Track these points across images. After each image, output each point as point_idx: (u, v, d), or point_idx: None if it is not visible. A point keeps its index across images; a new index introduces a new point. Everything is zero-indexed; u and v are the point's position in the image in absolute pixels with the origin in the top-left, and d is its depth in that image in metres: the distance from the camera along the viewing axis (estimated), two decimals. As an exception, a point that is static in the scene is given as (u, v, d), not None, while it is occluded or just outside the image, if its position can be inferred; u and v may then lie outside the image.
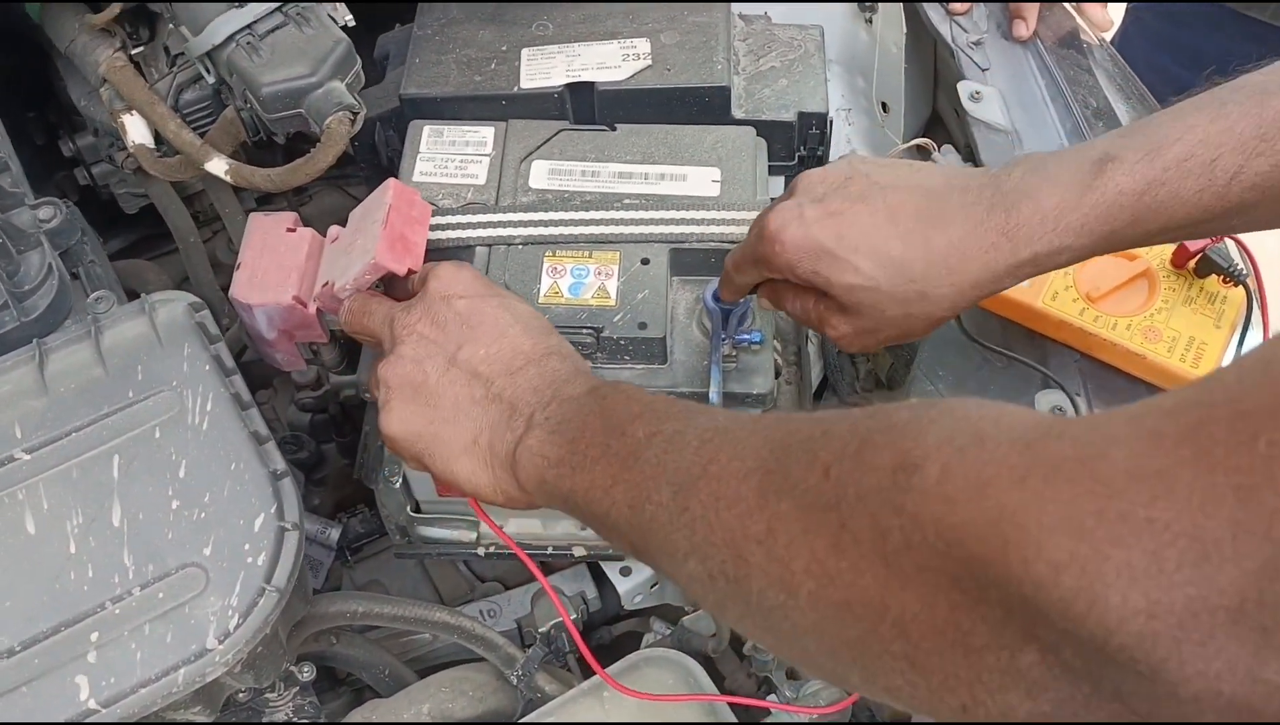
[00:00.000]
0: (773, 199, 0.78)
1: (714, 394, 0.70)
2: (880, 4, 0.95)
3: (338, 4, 0.83)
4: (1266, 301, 0.74)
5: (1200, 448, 0.32)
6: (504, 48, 0.88)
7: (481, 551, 0.86)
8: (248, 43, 0.68)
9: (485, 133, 0.82)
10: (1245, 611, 0.30)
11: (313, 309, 0.72)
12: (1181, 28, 1.14)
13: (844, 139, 1.03)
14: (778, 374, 0.83)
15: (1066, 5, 0.94)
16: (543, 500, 0.58)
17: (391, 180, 0.72)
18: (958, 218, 0.60)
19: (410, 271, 0.67)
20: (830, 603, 0.40)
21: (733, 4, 0.91)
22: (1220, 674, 0.30)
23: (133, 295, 0.81)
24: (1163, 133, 0.57)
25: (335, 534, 0.90)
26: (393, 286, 0.71)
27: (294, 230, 0.74)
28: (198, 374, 0.62)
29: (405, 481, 0.81)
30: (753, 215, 0.77)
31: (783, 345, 0.92)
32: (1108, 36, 0.95)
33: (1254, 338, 0.73)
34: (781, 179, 0.90)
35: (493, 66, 0.86)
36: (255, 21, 0.68)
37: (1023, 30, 0.91)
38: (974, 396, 0.78)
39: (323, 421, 0.94)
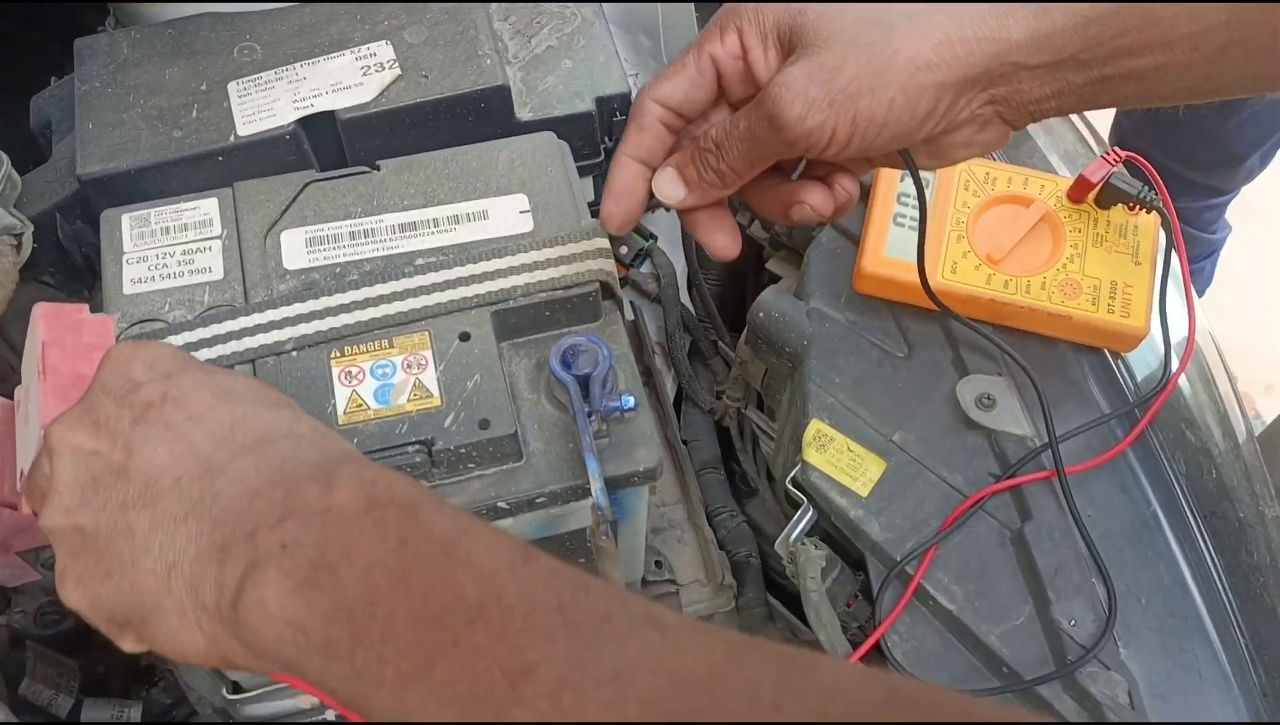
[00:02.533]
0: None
1: (597, 493, 0.54)
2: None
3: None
4: (1178, 225, 0.64)
5: None
6: (203, 86, 0.67)
7: (331, 715, 0.68)
8: None
9: (207, 207, 0.61)
10: None
11: (26, 509, 0.50)
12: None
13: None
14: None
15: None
16: (298, 678, 0.37)
17: (39, 306, 0.51)
18: None
19: None
20: None
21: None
22: None
23: None
24: None
25: (135, 713, 0.73)
26: None
27: (-30, 406, 0.52)
28: None
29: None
30: (581, 246, 0.61)
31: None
32: None
33: (1177, 269, 0.64)
34: (590, 180, 0.75)
35: (195, 114, 0.65)
36: None
37: None
38: (881, 401, 0.67)
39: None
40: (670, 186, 0.51)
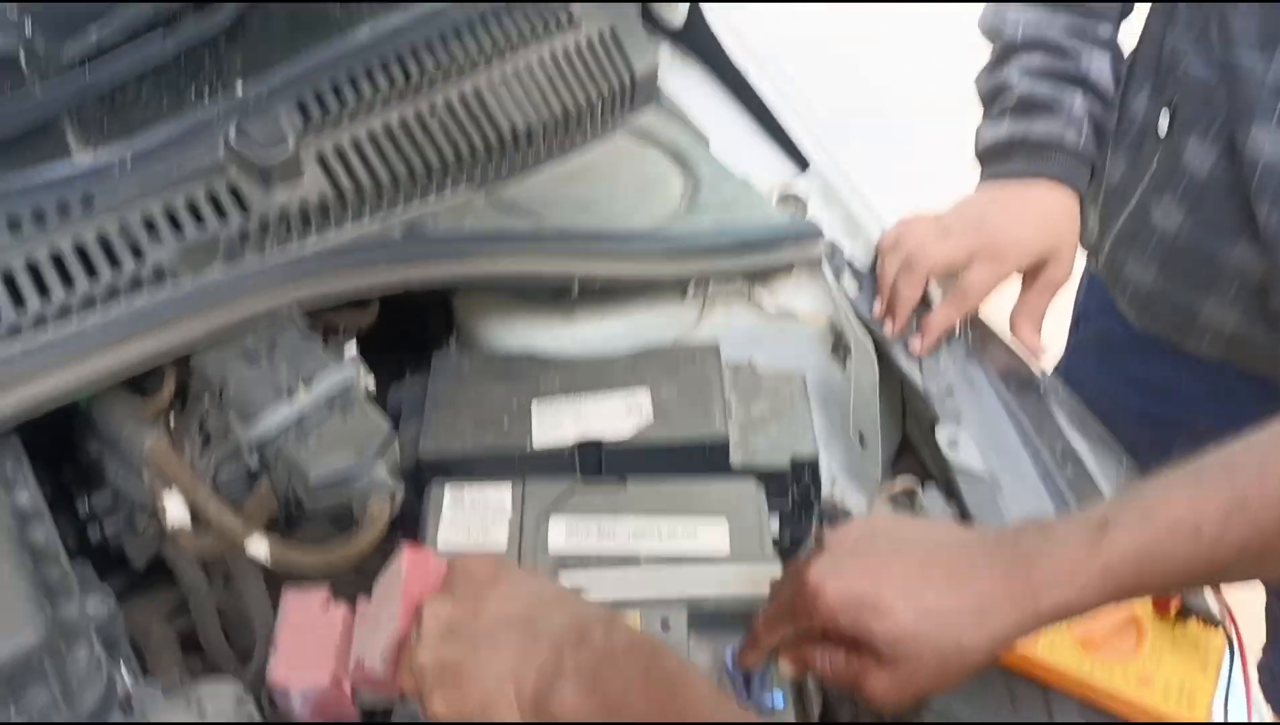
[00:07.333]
0: (780, 548, 0.83)
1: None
2: (853, 350, 1.04)
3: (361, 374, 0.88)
4: (1244, 644, 0.79)
5: None
6: (514, 404, 0.94)
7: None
8: (296, 432, 0.73)
9: (503, 494, 0.86)
10: None
11: (348, 689, 0.73)
12: (1115, 352, 1.26)
13: (824, 468, 1.10)
14: None
15: (1006, 342, 1.05)
16: None
17: (405, 550, 0.75)
18: (984, 574, 0.66)
19: None
20: None
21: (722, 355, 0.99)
22: None
23: (137, 650, 0.82)
24: (1150, 503, 0.66)
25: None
26: None
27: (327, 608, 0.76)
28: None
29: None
30: (764, 568, 0.81)
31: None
32: (1044, 361, 1.06)
33: (1237, 680, 0.78)
34: (777, 515, 0.96)
35: (506, 425, 0.92)
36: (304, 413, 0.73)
37: (917, 345, 1.04)
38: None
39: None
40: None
